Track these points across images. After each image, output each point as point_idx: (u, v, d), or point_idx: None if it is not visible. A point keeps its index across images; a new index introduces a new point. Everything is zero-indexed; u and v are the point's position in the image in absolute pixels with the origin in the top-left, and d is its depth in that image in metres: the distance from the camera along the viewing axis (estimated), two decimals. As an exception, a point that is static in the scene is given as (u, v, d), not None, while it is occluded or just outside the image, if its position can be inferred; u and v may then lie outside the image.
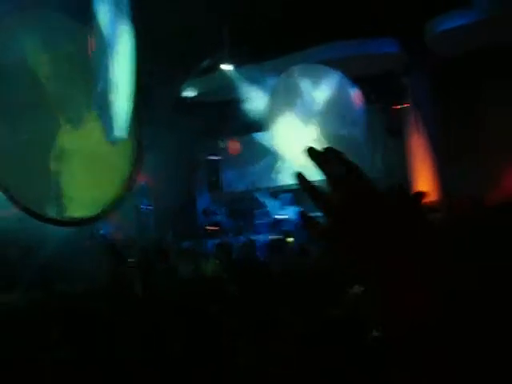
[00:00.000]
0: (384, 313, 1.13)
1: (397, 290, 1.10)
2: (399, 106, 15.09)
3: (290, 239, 11.80)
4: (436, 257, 1.11)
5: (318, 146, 1.30)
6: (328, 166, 1.23)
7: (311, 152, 1.26)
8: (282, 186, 16.23)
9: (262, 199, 16.13)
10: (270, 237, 12.81)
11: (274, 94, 13.81)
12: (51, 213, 9.75)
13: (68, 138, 9.92)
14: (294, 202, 15.39)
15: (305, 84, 13.45)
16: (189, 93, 15.87)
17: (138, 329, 3.88)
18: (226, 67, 14.85)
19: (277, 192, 16.15)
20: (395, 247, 1.13)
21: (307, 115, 13.55)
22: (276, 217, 15.02)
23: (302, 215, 1.25)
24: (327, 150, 1.27)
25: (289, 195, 15.53)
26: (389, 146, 15.64)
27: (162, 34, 11.73)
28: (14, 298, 5.58)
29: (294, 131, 13.49)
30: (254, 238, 13.26)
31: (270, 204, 15.82)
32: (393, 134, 15.43)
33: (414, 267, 1.11)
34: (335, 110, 13.38)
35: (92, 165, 10.19)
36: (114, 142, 9.66)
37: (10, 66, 9.05)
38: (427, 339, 1.06)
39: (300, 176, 1.25)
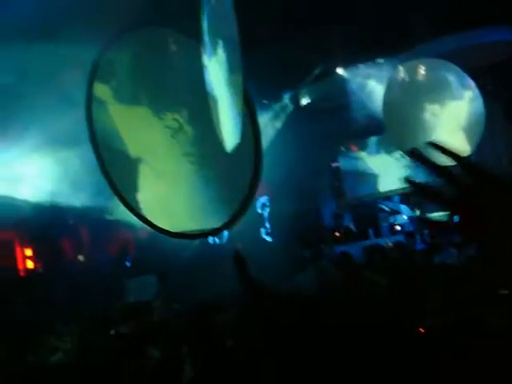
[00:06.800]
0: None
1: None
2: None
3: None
4: None
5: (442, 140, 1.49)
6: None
7: (415, 153, 1.50)
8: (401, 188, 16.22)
9: (383, 203, 16.08)
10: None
11: (389, 93, 13.65)
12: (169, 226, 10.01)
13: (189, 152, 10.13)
14: (408, 202, 15.43)
15: (419, 79, 13.26)
16: (306, 100, 15.93)
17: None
18: (341, 71, 14.85)
19: (395, 195, 16.13)
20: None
21: (424, 111, 13.35)
22: (397, 220, 14.88)
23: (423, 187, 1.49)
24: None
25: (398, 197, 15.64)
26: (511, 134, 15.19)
27: (270, 43, 11.88)
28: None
29: (412, 129, 13.31)
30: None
31: (391, 207, 15.74)
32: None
33: None
34: (453, 103, 13.13)
35: (213, 178, 10.34)
36: (227, 153, 9.67)
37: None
38: None
39: (409, 180, 1.50)
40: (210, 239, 14.39)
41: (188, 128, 9.92)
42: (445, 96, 13.36)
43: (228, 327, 5.40)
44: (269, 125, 15.14)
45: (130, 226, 12.49)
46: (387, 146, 15.91)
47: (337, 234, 15.99)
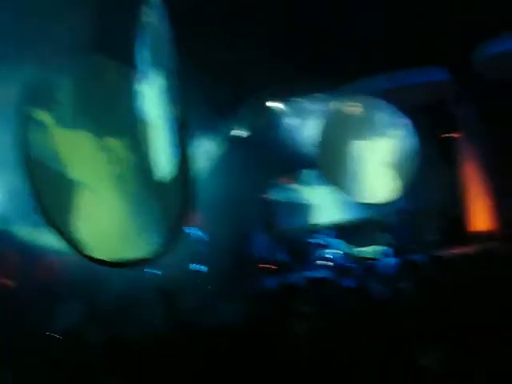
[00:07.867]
0: None
1: None
2: (451, 135, 14.82)
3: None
4: None
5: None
6: None
7: None
8: (332, 222, 16.34)
9: (314, 236, 16.16)
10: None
11: (323, 128, 13.82)
12: (101, 255, 9.84)
13: (114, 180, 10.01)
14: (338, 236, 15.58)
15: (352, 115, 13.48)
16: (240, 132, 15.96)
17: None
18: (276, 104, 14.95)
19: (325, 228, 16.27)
20: None
21: (357, 147, 13.55)
22: (328, 252, 14.96)
23: None
24: None
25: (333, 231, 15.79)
26: (442, 174, 15.40)
27: (208, 73, 11.90)
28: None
29: (343, 163, 13.49)
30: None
31: (321, 240, 15.82)
32: (446, 163, 15.16)
33: None
34: (384, 140, 13.39)
35: (140, 206, 10.22)
36: (159, 181, 9.61)
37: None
38: None
39: None
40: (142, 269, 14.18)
41: (127, 154, 9.86)
42: (376, 133, 13.61)
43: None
44: (202, 156, 15.10)
45: (57, 252, 12.24)
46: (321, 179, 16.00)
47: (267, 265, 15.94)
